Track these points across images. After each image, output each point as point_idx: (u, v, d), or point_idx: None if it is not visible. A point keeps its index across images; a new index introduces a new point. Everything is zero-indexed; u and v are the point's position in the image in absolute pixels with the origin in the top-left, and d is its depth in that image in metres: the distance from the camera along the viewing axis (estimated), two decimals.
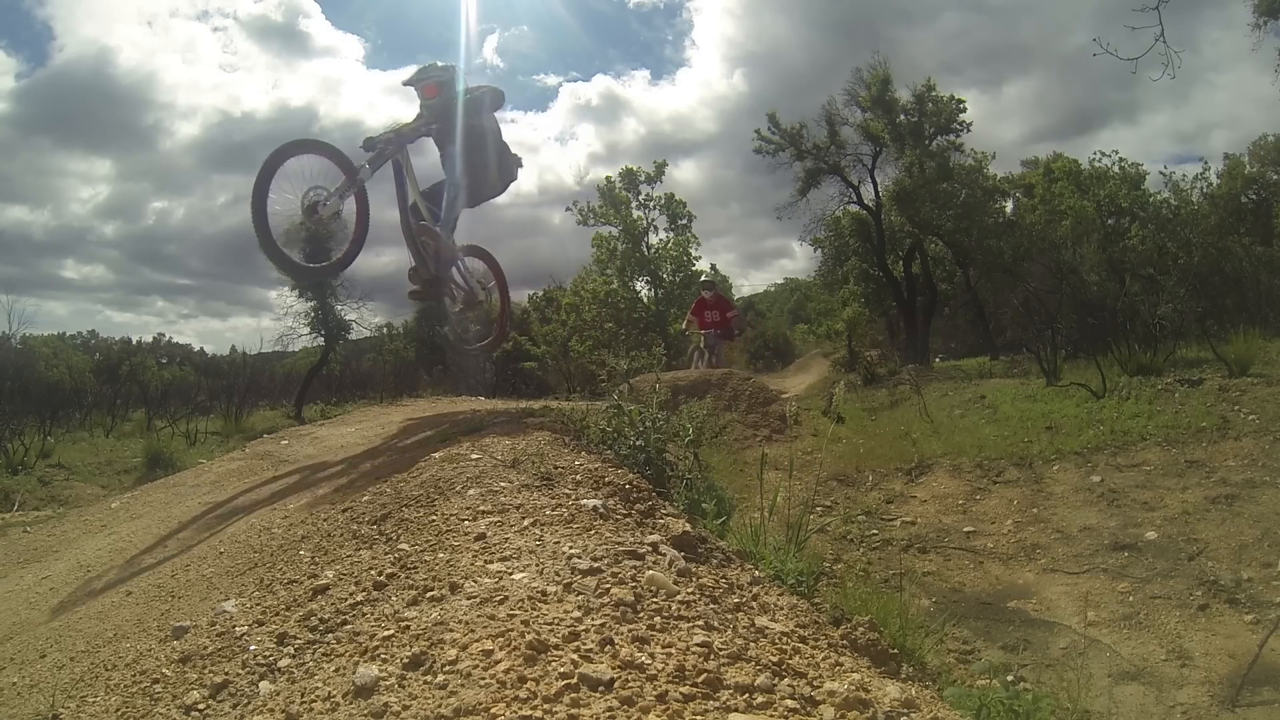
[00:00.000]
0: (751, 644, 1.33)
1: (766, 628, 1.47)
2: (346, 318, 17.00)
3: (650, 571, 1.52)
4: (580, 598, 1.34)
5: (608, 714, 1.00)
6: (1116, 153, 18.15)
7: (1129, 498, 4.41)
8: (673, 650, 1.19)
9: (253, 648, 1.48)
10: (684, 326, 10.88)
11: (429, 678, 1.11)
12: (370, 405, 8.32)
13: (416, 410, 5.34)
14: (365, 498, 2.38)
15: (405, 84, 4.11)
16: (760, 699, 1.10)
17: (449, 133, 4.08)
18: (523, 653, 1.12)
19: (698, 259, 19.27)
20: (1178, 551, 3.76)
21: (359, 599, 1.53)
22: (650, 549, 1.69)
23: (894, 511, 4.82)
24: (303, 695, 1.19)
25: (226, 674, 1.42)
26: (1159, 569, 3.66)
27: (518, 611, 1.27)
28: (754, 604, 1.66)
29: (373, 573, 1.64)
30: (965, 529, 4.46)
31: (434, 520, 1.91)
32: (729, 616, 1.47)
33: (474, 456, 2.54)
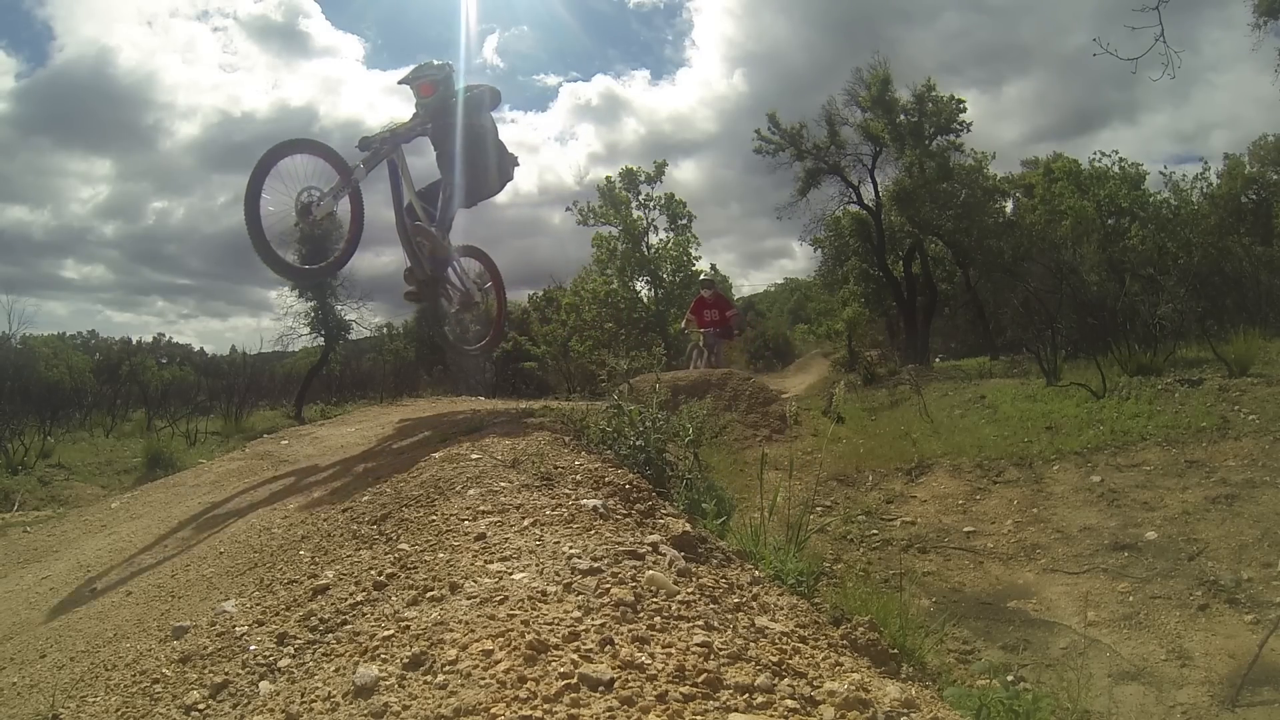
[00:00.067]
0: (751, 644, 1.33)
1: (766, 628, 1.47)
2: (346, 318, 17.04)
3: (650, 571, 1.52)
4: (580, 598, 1.34)
5: (608, 714, 1.00)
6: (1116, 153, 18.18)
7: (1129, 498, 4.41)
8: (673, 650, 1.19)
9: (253, 648, 1.48)
10: (683, 325, 10.88)
11: (429, 678, 1.11)
12: (370, 405, 8.31)
13: (416, 410, 5.34)
14: (365, 498, 2.38)
15: (400, 82, 4.07)
16: (760, 699, 1.10)
17: (445, 131, 4.04)
18: (523, 653, 1.12)
19: (698, 259, 19.29)
20: (1178, 551, 3.76)
21: (359, 599, 1.52)
22: (650, 549, 1.69)
23: (894, 511, 4.82)
24: (303, 695, 1.19)
25: (226, 674, 1.42)
26: (1159, 569, 3.66)
27: (518, 611, 1.27)
28: (754, 604, 1.66)
29: (373, 573, 1.64)
30: (965, 529, 4.46)
31: (434, 520, 1.91)
32: (729, 616, 1.47)
33: (474, 456, 2.54)
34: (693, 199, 33.55)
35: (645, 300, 19.05)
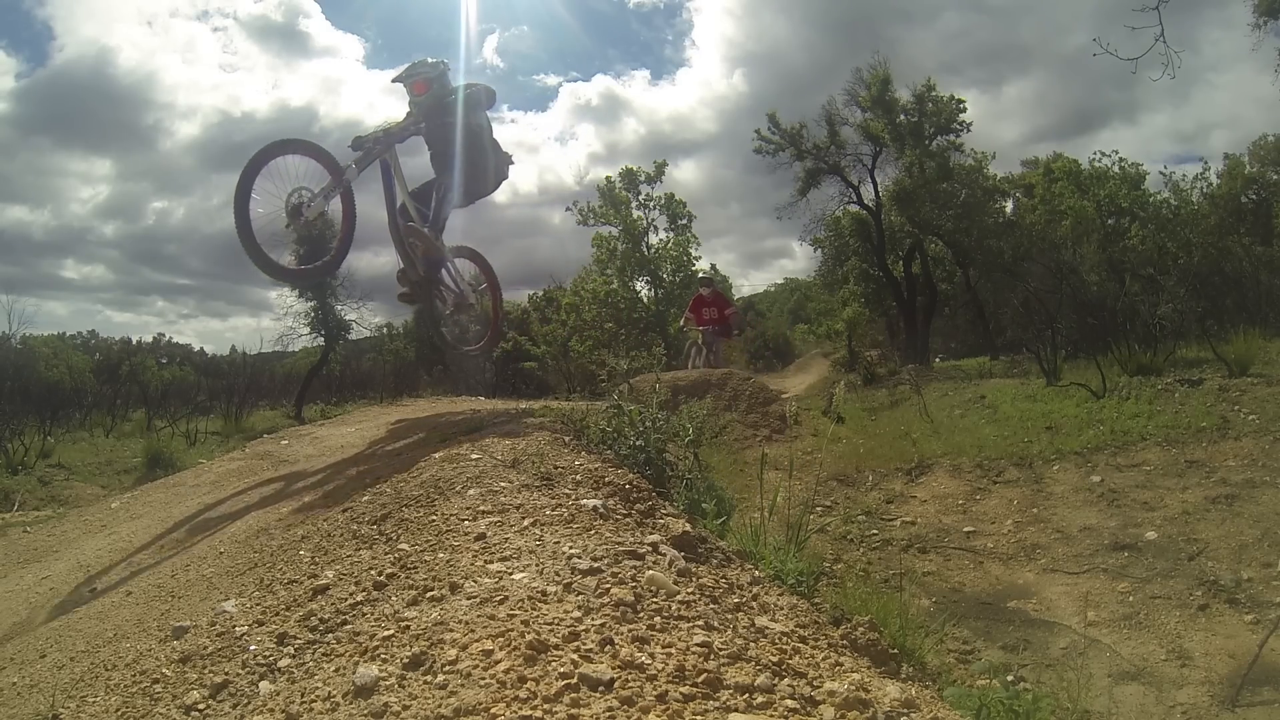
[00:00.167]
0: (751, 644, 1.33)
1: (766, 628, 1.47)
2: (346, 318, 17.02)
3: (650, 571, 1.52)
4: (580, 598, 1.34)
5: (608, 714, 1.00)
6: (1116, 153, 18.16)
7: (1129, 498, 4.41)
8: (673, 650, 1.19)
9: (253, 648, 1.48)
10: (681, 324, 10.88)
11: (429, 678, 1.11)
12: (370, 405, 8.32)
13: (417, 410, 5.34)
14: (365, 498, 2.38)
15: (394, 80, 4.02)
16: (760, 699, 1.10)
17: (438, 130, 3.99)
18: (523, 653, 1.12)
19: (698, 259, 19.28)
20: (1178, 551, 3.76)
21: (359, 599, 1.52)
22: (650, 549, 1.69)
23: (894, 511, 4.82)
24: (303, 695, 1.19)
25: (226, 674, 1.42)
26: (1159, 569, 3.66)
27: (518, 611, 1.27)
28: (754, 604, 1.66)
29: (373, 573, 1.64)
30: (965, 529, 4.46)
31: (434, 520, 1.91)
32: (729, 616, 1.47)
33: (474, 456, 2.54)
34: (693, 199, 33.57)
35: (645, 300, 19.04)
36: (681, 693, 1.07)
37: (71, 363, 27.27)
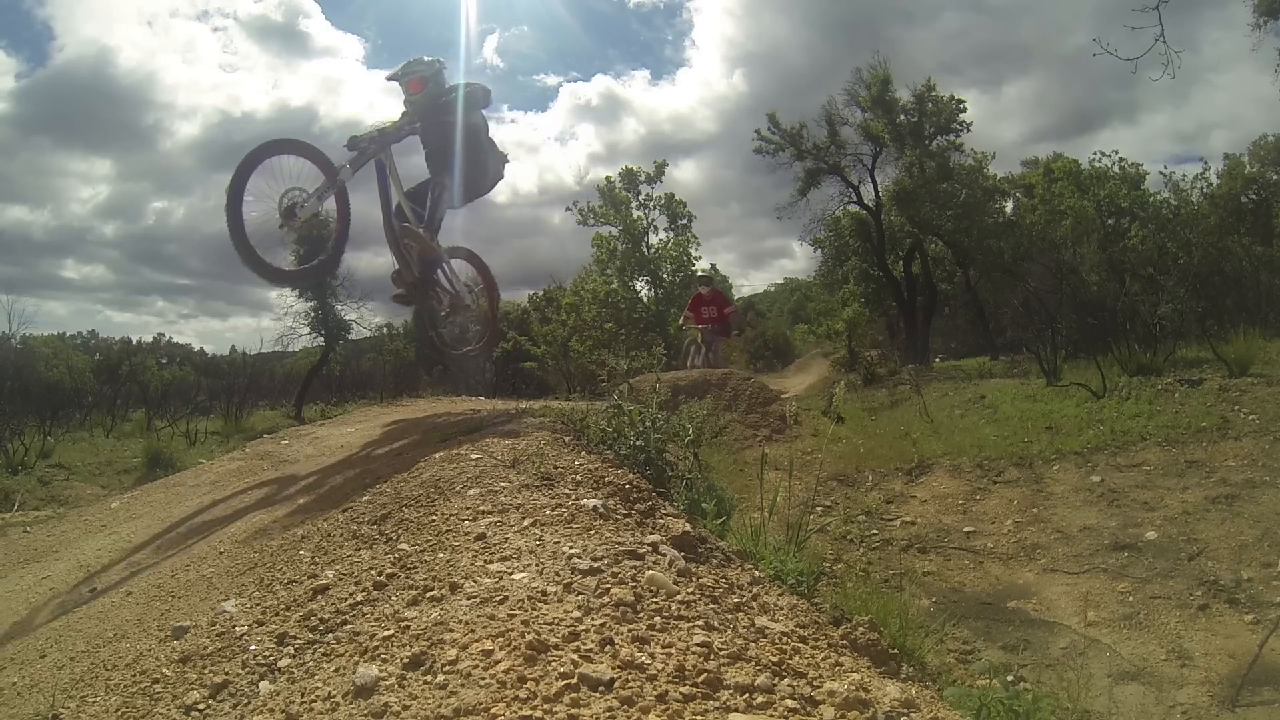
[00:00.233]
0: (751, 644, 1.33)
1: (766, 628, 1.47)
2: (346, 318, 16.99)
3: (650, 571, 1.52)
4: (580, 598, 1.34)
5: (608, 714, 1.00)
6: (1116, 153, 18.13)
7: (1129, 498, 4.41)
8: (673, 650, 1.19)
9: (253, 648, 1.48)
10: (680, 322, 10.88)
11: (429, 678, 1.11)
12: (370, 405, 8.32)
13: (416, 410, 5.34)
14: (365, 498, 2.38)
15: (389, 79, 4.00)
16: (760, 699, 1.10)
17: (433, 129, 3.96)
18: (523, 653, 1.12)
19: (698, 259, 19.25)
20: (1178, 551, 3.76)
21: (359, 599, 1.52)
22: (650, 549, 1.69)
23: (894, 511, 4.82)
24: (303, 695, 1.19)
25: (226, 674, 1.42)
26: (1159, 569, 3.66)
27: (518, 611, 1.27)
28: (754, 604, 1.66)
29: (373, 573, 1.64)
30: (965, 529, 4.46)
31: (434, 520, 1.91)
32: (729, 616, 1.47)
33: (474, 456, 2.54)
34: (693, 199, 33.57)
35: (645, 300, 19.03)
36: (681, 693, 1.07)
37: (71, 363, 27.26)
